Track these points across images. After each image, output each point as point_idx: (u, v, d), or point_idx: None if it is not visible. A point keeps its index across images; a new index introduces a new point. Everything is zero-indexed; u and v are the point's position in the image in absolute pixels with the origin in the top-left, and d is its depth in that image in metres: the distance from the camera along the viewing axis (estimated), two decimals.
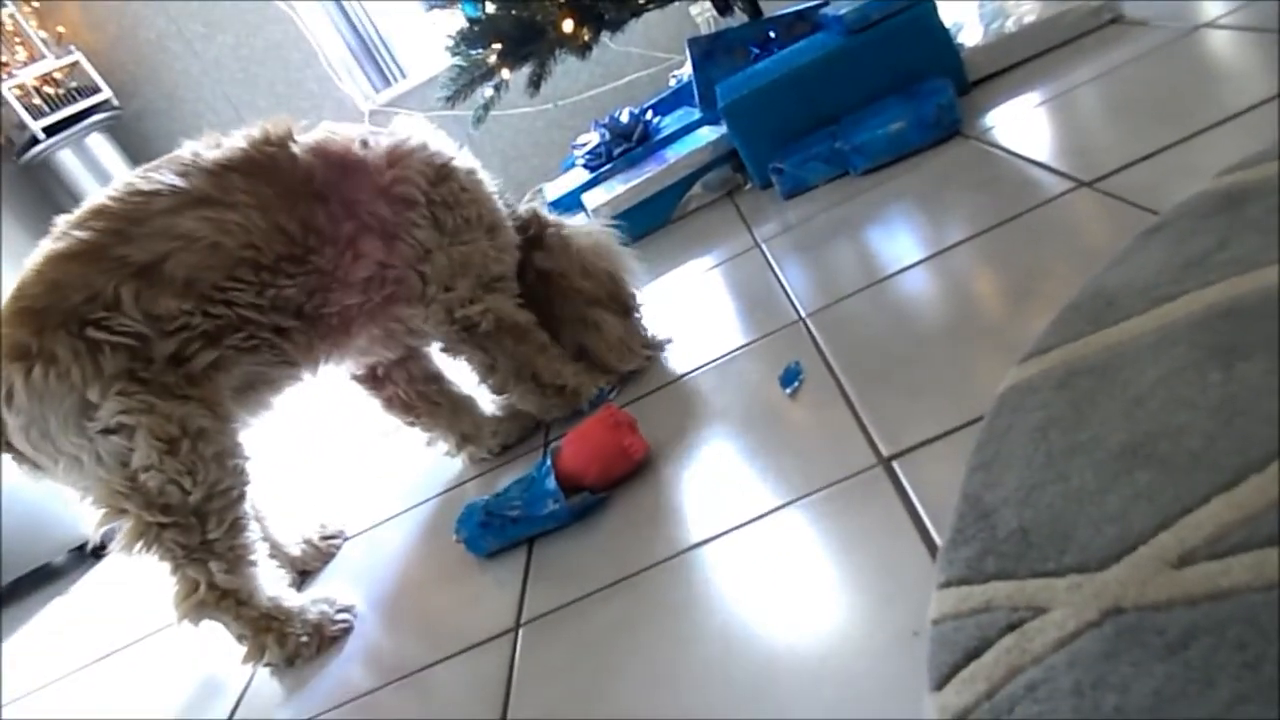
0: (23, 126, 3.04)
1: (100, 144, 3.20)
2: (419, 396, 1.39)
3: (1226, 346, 0.73)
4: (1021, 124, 1.50)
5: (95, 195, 1.13)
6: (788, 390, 1.09)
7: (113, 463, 1.05)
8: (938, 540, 0.74)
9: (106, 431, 1.04)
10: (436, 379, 1.41)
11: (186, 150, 1.16)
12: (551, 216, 1.43)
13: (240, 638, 1.12)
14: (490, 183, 1.35)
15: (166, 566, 1.10)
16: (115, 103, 3.25)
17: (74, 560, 2.22)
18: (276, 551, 1.32)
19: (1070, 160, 1.28)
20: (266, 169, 1.15)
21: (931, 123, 1.61)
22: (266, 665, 1.13)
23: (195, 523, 1.07)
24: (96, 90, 3.19)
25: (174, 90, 3.38)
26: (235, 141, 1.17)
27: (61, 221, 1.11)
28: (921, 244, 1.30)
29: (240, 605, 1.10)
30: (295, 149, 1.17)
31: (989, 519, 0.70)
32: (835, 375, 1.07)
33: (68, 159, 3.15)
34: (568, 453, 1.09)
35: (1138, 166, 1.15)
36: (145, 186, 1.10)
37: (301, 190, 1.15)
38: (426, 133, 1.29)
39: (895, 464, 0.86)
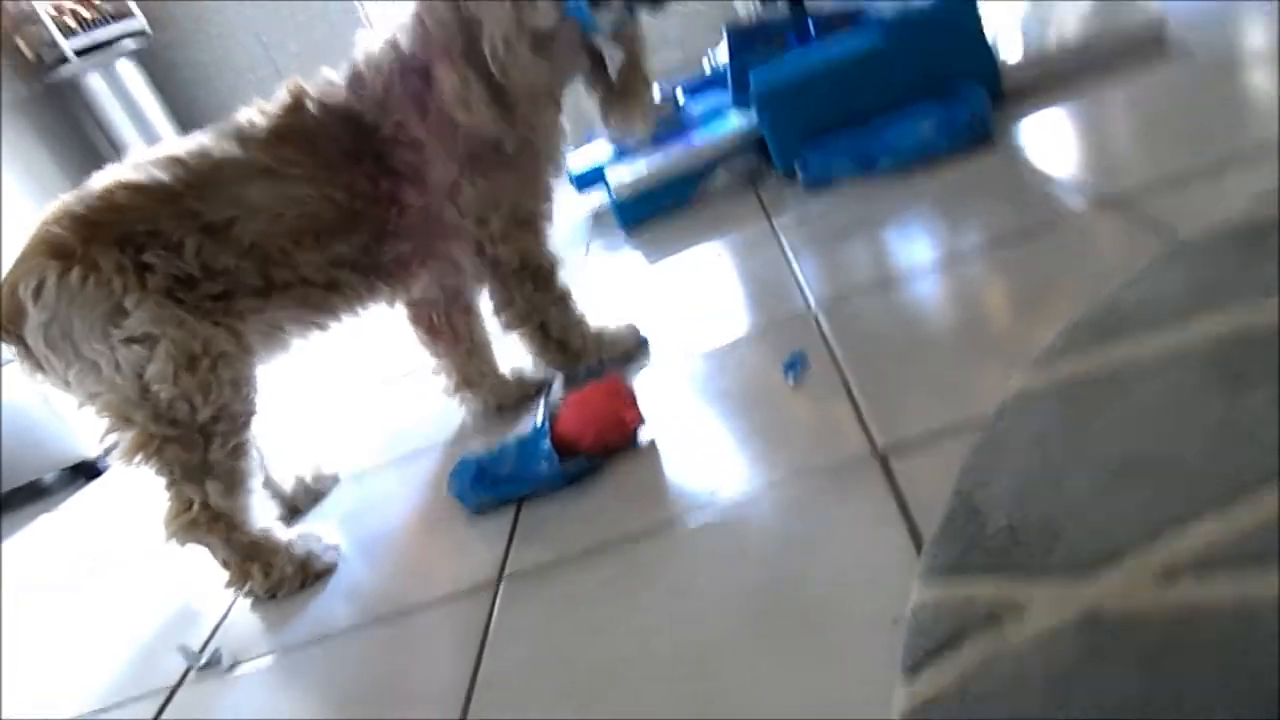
0: (53, 44, 3.03)
1: (129, 70, 3.19)
2: (447, 322, 1.40)
3: (1235, 373, 0.72)
4: (1052, 138, 1.49)
5: (167, 142, 1.19)
6: (790, 378, 1.09)
7: (129, 371, 1.06)
8: (925, 535, 0.74)
9: (130, 340, 1.06)
10: (471, 313, 1.42)
11: (243, 118, 1.20)
12: None
13: (225, 563, 1.13)
14: None
15: (162, 483, 1.11)
16: (148, 30, 3.23)
17: (64, 479, 2.23)
18: (269, 485, 1.33)
19: (1097, 178, 1.27)
20: (305, 138, 1.18)
21: (962, 129, 1.60)
22: (248, 595, 1.15)
23: (199, 440, 1.09)
24: (130, 16, 3.17)
25: (208, 26, 3.37)
26: (275, 108, 1.20)
27: (138, 155, 1.15)
28: (938, 247, 1.30)
29: (231, 530, 1.12)
30: (312, 109, 1.19)
31: (978, 516, 0.70)
32: (838, 366, 1.07)
33: (95, 82, 3.14)
34: (566, 416, 1.10)
35: (1164, 189, 1.14)
36: (216, 153, 1.15)
37: (335, 156, 1.18)
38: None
39: (889, 457, 0.86)
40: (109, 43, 3.12)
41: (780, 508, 0.87)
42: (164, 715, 0.99)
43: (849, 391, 1.01)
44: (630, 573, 0.87)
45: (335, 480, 1.42)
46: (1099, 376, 0.80)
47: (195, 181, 1.13)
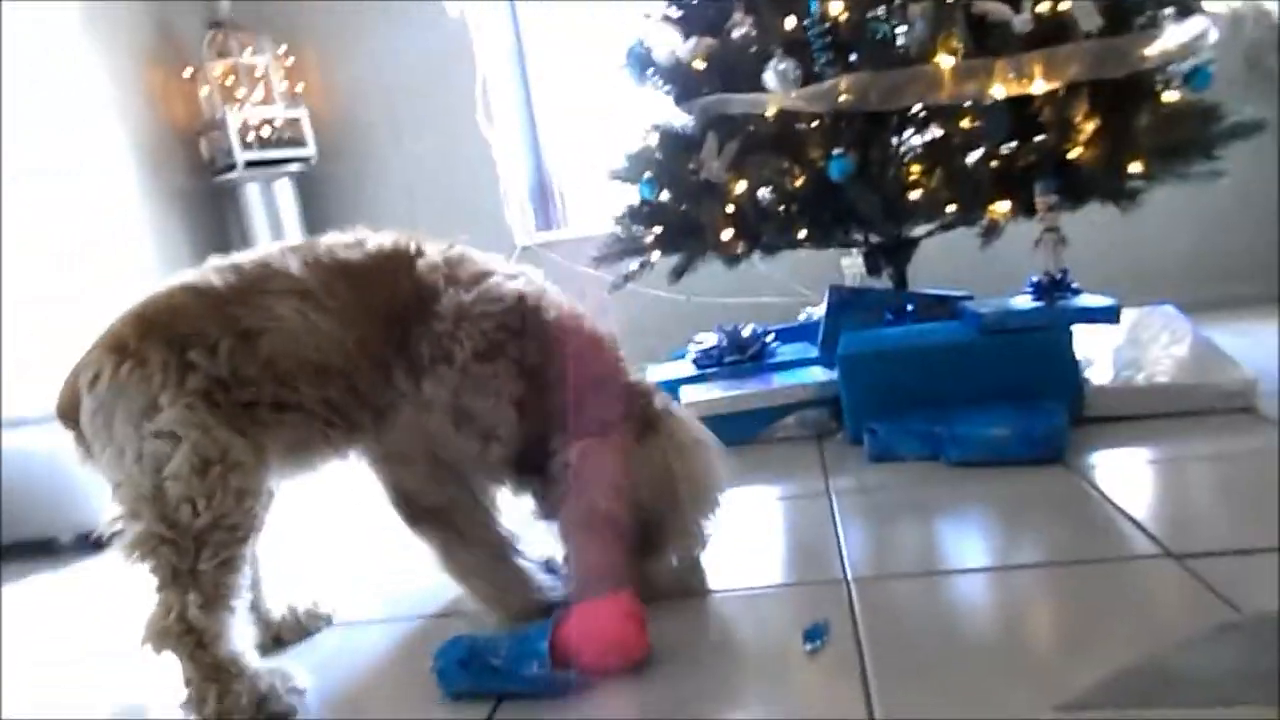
0: (229, 151, 3.36)
1: (284, 189, 3.48)
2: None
3: None
4: (1125, 475, 1.47)
5: (244, 252, 1.25)
6: (808, 647, 1.05)
7: (149, 465, 1.10)
8: None
9: (157, 434, 1.10)
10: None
11: (328, 239, 1.25)
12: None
13: (187, 682, 1.09)
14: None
15: (154, 584, 1.11)
16: (313, 161, 3.56)
17: (77, 544, 2.24)
18: (257, 609, 1.31)
19: (1164, 527, 1.24)
20: (366, 285, 1.21)
21: (1038, 441, 1.59)
22: (198, 715, 1.09)
23: (192, 547, 1.09)
24: (303, 145, 3.51)
25: (365, 167, 3.69)
26: (368, 246, 1.24)
27: (211, 261, 1.24)
28: (990, 553, 1.26)
29: (198, 647, 1.08)
30: (391, 266, 1.23)
31: None
32: (859, 646, 1.03)
33: (252, 192, 3.44)
34: (570, 624, 1.06)
35: (1231, 557, 1.10)
36: (275, 263, 1.20)
37: (376, 312, 1.20)
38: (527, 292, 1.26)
39: None
40: (278, 162, 3.44)
41: None
42: None
43: (864, 674, 0.96)
44: None
45: (328, 621, 1.38)
46: None
47: (242, 288, 1.18)
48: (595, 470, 1.19)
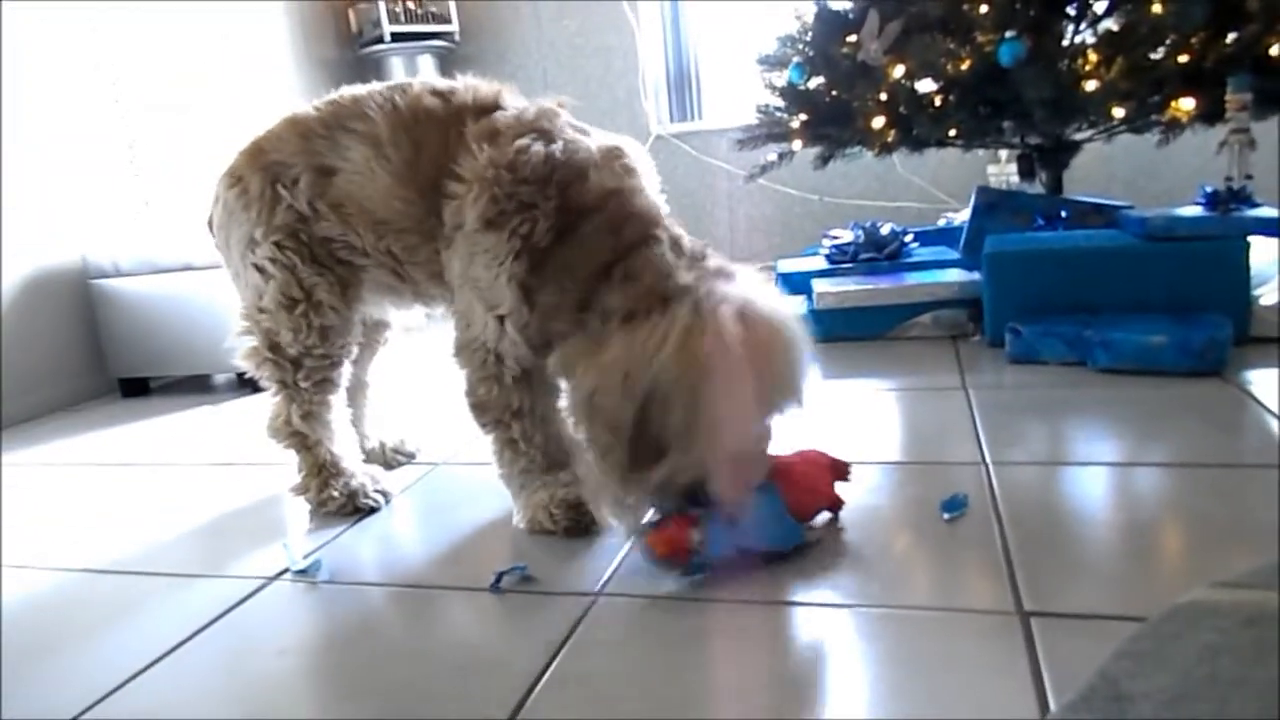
0: (376, 23, 3.41)
1: (427, 65, 3.54)
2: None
3: None
4: None
5: (349, 88, 1.23)
6: (946, 516, 1.05)
7: (251, 294, 1.25)
8: (1052, 705, 0.69)
9: (257, 267, 1.22)
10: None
11: (415, 84, 1.18)
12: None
13: (299, 472, 1.31)
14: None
15: (270, 390, 1.29)
16: (456, 38, 3.59)
17: (232, 383, 2.41)
18: (359, 423, 1.45)
19: None
20: (423, 140, 1.13)
21: (1196, 352, 1.51)
22: (305, 500, 1.31)
23: (290, 367, 1.25)
24: (448, 21, 3.54)
25: (506, 49, 3.70)
26: (454, 98, 1.15)
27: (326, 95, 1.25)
28: (1139, 451, 1.22)
29: (304, 448, 1.29)
30: (465, 117, 1.11)
31: (1121, 703, 0.64)
32: (999, 520, 1.02)
33: (396, 65, 3.50)
34: (791, 483, 1.01)
35: None
36: (365, 101, 1.17)
37: (426, 174, 1.12)
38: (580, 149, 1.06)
39: (1033, 620, 0.80)
40: (422, 36, 3.48)
41: (908, 632, 0.82)
42: (250, 600, 1.03)
43: (1004, 546, 0.96)
44: (727, 633, 0.85)
45: (410, 457, 1.50)
46: None
47: (329, 122, 1.19)
48: (578, 365, 0.99)
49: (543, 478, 1.14)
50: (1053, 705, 0.69)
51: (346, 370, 1.30)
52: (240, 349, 1.28)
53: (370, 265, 1.23)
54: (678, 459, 0.93)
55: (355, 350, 1.31)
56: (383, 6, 3.40)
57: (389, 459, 1.48)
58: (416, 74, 3.51)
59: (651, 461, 0.93)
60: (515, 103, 1.15)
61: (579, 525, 1.10)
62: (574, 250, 1.02)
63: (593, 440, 0.98)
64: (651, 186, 1.10)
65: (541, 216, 1.03)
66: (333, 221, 1.20)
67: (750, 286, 0.99)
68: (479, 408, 1.14)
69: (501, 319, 1.07)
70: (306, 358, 1.24)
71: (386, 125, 1.15)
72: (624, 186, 1.05)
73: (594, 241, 1.01)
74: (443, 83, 1.18)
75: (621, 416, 0.92)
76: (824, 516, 1.07)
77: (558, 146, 1.06)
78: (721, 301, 0.93)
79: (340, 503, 1.27)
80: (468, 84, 1.17)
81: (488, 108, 1.13)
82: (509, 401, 1.12)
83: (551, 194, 1.03)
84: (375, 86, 1.21)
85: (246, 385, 2.32)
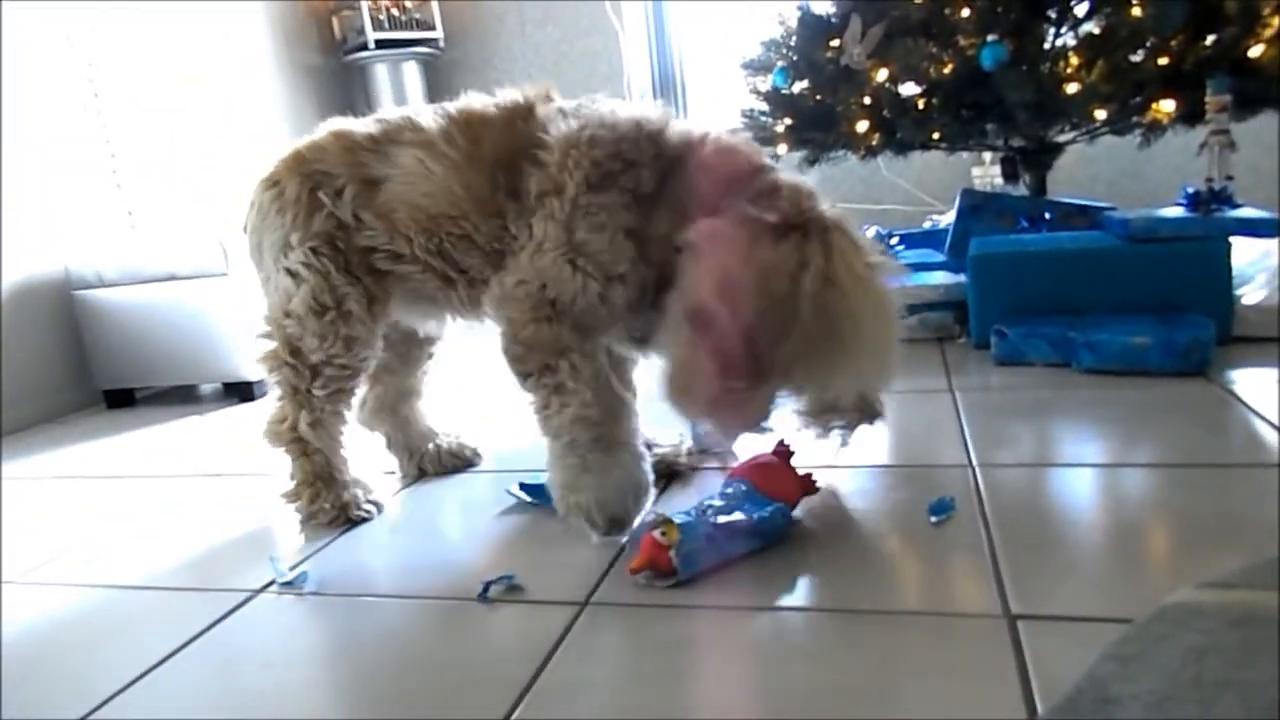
0: (360, 31, 3.41)
1: (412, 71, 3.53)
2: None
3: None
4: (1270, 393, 1.40)
5: (388, 111, 1.27)
6: (934, 519, 1.05)
7: (279, 298, 1.25)
8: (1039, 707, 0.69)
9: (289, 271, 1.23)
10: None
11: (465, 99, 1.22)
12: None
13: (292, 478, 1.31)
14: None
15: (278, 393, 1.30)
16: (440, 45, 3.58)
17: (218, 393, 2.40)
18: (408, 437, 1.44)
19: None
20: (483, 132, 1.16)
21: (1180, 353, 1.52)
22: (295, 509, 1.32)
23: (308, 374, 1.26)
24: (432, 28, 3.53)
25: (491, 54, 3.70)
26: (502, 99, 1.19)
27: (375, 113, 1.27)
28: (1124, 451, 1.23)
29: (303, 455, 1.28)
30: (511, 117, 1.16)
31: (1108, 705, 0.64)
32: (986, 523, 1.02)
33: (381, 72, 3.50)
34: (760, 480, 1.08)
35: None
36: (415, 117, 1.21)
37: (491, 159, 1.14)
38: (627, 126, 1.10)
39: (1020, 623, 0.81)
40: (407, 43, 3.48)
41: (895, 636, 0.82)
42: (236, 612, 1.02)
43: (991, 549, 0.96)
44: (715, 639, 0.85)
45: (469, 462, 1.47)
46: (1274, 617, 0.73)
47: (380, 139, 1.22)
48: (712, 257, 0.98)
49: (593, 457, 1.07)
50: (1040, 708, 0.69)
51: (361, 384, 1.32)
52: (260, 351, 1.29)
53: (414, 273, 1.22)
54: (797, 379, 1.01)
55: (372, 365, 1.30)
56: (367, 13, 3.39)
57: (445, 463, 1.45)
58: (401, 81, 3.51)
59: (758, 372, 0.97)
60: (557, 94, 1.20)
61: (618, 523, 1.08)
62: (692, 177, 1.06)
63: (708, 332, 0.97)
64: None
65: (644, 169, 1.07)
66: (378, 230, 1.21)
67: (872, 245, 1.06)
68: (525, 347, 1.08)
69: (608, 281, 1.07)
70: (327, 366, 1.24)
71: (439, 129, 1.18)
72: (705, 131, 1.11)
73: (710, 165, 1.06)
74: (487, 96, 1.22)
75: (754, 313, 0.95)
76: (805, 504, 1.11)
77: (636, 110, 1.13)
78: (876, 264, 1.01)
79: (331, 515, 1.27)
80: (516, 88, 1.22)
81: (545, 98, 1.18)
82: (558, 337, 1.08)
83: (647, 147, 1.08)
84: (423, 107, 1.24)
85: (232, 395, 2.32)
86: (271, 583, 1.09)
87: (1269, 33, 1.69)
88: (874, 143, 2.05)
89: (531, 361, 1.09)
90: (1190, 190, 1.83)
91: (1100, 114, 1.84)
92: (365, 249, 1.23)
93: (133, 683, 0.88)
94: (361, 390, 1.40)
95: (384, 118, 1.25)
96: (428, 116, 1.21)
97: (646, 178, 1.07)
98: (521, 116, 1.16)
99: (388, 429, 1.45)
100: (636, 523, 1.10)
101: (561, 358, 1.08)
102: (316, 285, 1.22)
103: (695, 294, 0.98)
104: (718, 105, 3.53)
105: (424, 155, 1.17)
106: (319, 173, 1.23)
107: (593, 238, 1.06)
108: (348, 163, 1.22)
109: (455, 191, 1.16)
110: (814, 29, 2.11)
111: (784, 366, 0.98)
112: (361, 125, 1.25)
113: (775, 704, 0.73)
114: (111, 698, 0.86)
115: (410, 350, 1.41)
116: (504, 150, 1.14)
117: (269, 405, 1.31)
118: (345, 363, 1.25)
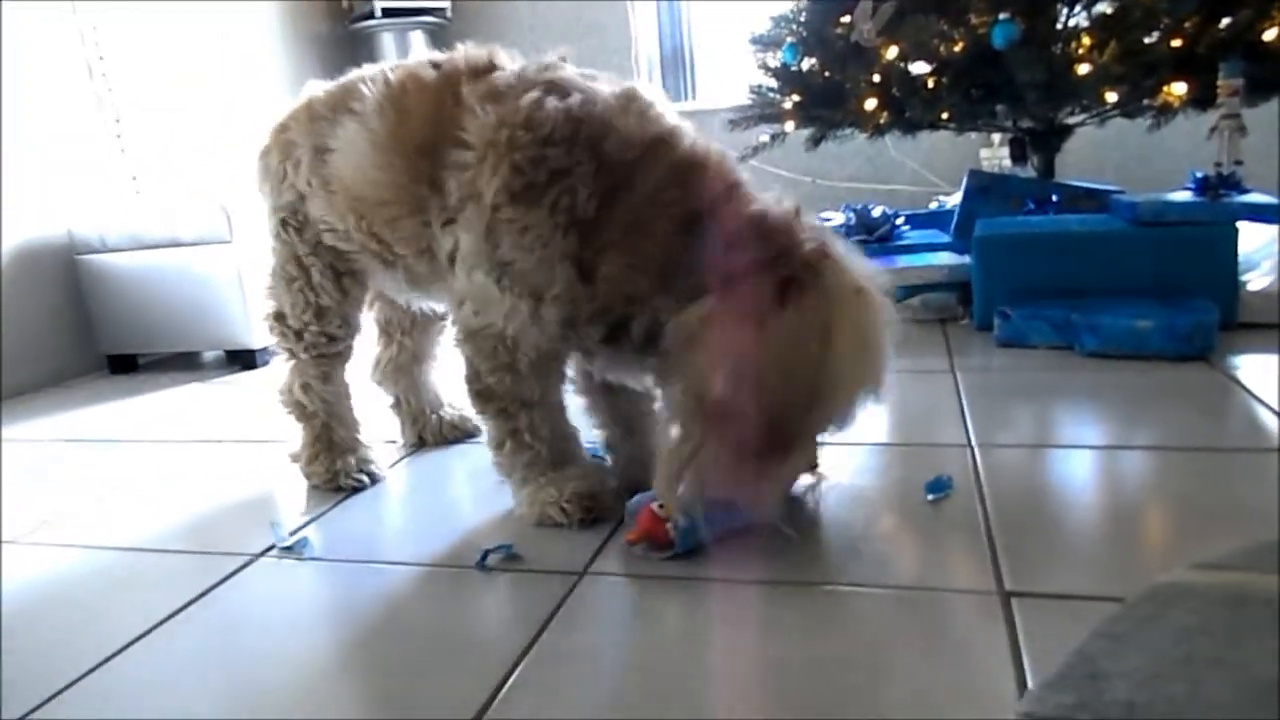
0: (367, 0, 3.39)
1: (419, 41, 3.50)
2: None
3: None
4: (1271, 379, 1.40)
5: (359, 70, 1.17)
6: (931, 497, 1.05)
7: (271, 262, 1.28)
8: (1030, 683, 0.69)
9: (273, 237, 1.25)
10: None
11: (411, 61, 1.12)
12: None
13: (301, 439, 1.33)
14: None
15: (283, 356, 1.31)
16: (448, 14, 3.55)
17: (221, 360, 2.40)
18: (412, 406, 1.44)
19: None
20: (409, 108, 1.05)
21: (1182, 337, 1.52)
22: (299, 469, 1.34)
23: (293, 336, 1.27)
24: None
25: (499, 25, 3.67)
26: (448, 64, 1.06)
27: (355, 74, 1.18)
28: (1124, 434, 1.23)
29: (304, 417, 1.30)
30: (469, 85, 1.01)
31: (1097, 681, 0.65)
32: (983, 502, 1.03)
33: (388, 41, 3.47)
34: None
35: None
36: (368, 78, 1.12)
37: (411, 144, 1.04)
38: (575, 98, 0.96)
39: (1013, 600, 0.81)
40: (414, 12, 3.45)
41: (890, 611, 0.83)
42: (235, 576, 1.03)
43: (988, 527, 0.96)
44: (712, 611, 0.86)
45: (470, 435, 1.46)
46: (1272, 600, 0.73)
47: (332, 103, 1.15)
48: (711, 344, 0.86)
49: (549, 474, 1.07)
50: (1031, 683, 0.69)
51: (355, 348, 1.31)
52: (265, 310, 1.31)
53: (355, 252, 1.19)
54: (800, 449, 0.92)
55: (354, 333, 1.30)
56: None
57: (446, 434, 1.45)
58: (409, 50, 3.48)
59: (775, 452, 0.87)
60: (511, 63, 1.05)
61: (592, 516, 1.06)
62: (642, 208, 0.92)
63: (715, 420, 0.86)
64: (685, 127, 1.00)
65: (579, 184, 0.92)
66: (320, 201, 1.17)
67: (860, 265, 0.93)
68: (484, 396, 1.06)
69: (538, 301, 0.96)
70: (305, 331, 1.26)
71: (374, 99, 1.08)
72: (662, 131, 0.95)
73: (664, 195, 0.91)
74: (439, 55, 1.11)
75: (779, 390, 0.84)
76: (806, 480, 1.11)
77: (574, 100, 0.94)
78: (864, 288, 0.88)
79: (325, 478, 1.29)
80: (460, 50, 1.09)
81: (482, 69, 1.03)
82: (520, 392, 1.04)
83: (583, 156, 0.92)
84: (382, 65, 1.14)
85: (235, 362, 2.32)
86: (272, 547, 1.10)
87: None
88: (882, 121, 2.03)
89: (491, 407, 1.06)
90: (1199, 175, 1.82)
91: (1111, 96, 1.82)
92: (319, 219, 1.20)
93: (131, 643, 0.89)
94: (376, 349, 1.43)
95: (345, 79, 1.17)
96: (371, 78, 1.11)
97: (584, 198, 0.92)
98: (452, 91, 1.01)
99: (400, 390, 1.44)
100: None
101: (524, 410, 1.05)
102: (285, 255, 1.24)
103: (705, 387, 0.86)
104: (727, 80, 3.51)
105: (357, 128, 1.09)
106: (289, 142, 1.20)
107: (519, 256, 0.95)
108: (308, 131, 1.17)
109: (372, 174, 1.07)
110: (825, 5, 2.09)
111: (817, 428, 0.92)
112: (323, 89, 1.20)
113: (769, 675, 0.74)
114: (110, 657, 0.87)
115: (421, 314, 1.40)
116: (426, 133, 1.02)
117: (280, 368, 1.33)
118: (320, 330, 1.26)
